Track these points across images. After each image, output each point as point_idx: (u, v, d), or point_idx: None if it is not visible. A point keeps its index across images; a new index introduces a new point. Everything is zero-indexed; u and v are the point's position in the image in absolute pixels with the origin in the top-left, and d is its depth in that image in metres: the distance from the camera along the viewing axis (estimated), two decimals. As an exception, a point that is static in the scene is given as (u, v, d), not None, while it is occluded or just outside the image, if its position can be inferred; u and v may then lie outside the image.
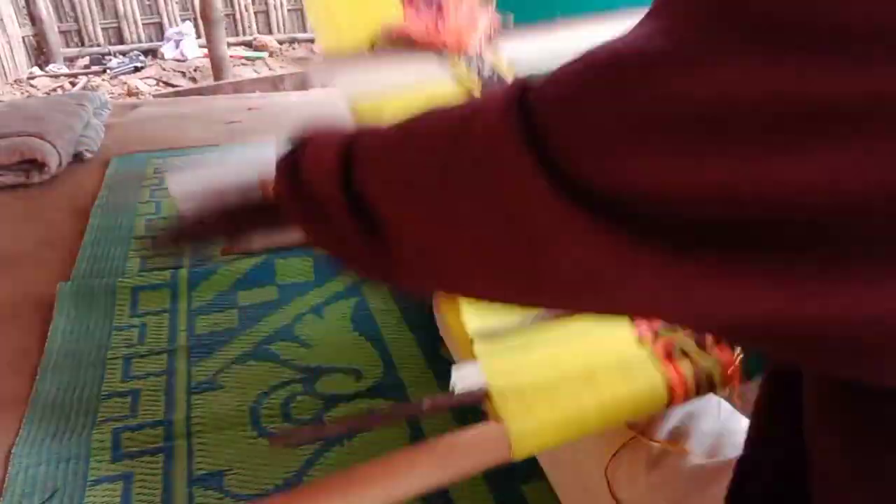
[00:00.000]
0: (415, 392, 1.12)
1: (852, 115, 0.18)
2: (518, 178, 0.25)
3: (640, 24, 0.23)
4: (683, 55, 0.21)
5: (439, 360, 1.18)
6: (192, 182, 0.89)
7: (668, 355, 0.62)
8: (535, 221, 0.25)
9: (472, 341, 0.64)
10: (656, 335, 0.65)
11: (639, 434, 0.64)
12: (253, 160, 0.95)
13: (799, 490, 0.35)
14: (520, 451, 0.56)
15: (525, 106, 0.26)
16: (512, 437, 0.56)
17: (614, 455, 0.65)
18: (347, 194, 0.37)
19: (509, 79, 0.93)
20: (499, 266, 0.30)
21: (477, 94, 0.91)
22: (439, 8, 1.01)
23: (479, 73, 0.95)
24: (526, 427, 0.56)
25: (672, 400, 0.60)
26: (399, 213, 0.34)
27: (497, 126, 0.26)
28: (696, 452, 0.62)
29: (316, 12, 1.04)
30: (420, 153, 0.33)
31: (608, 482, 0.65)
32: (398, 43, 1.01)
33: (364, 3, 1.05)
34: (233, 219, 0.58)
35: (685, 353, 0.62)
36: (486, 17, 1.02)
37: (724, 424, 0.64)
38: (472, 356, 0.63)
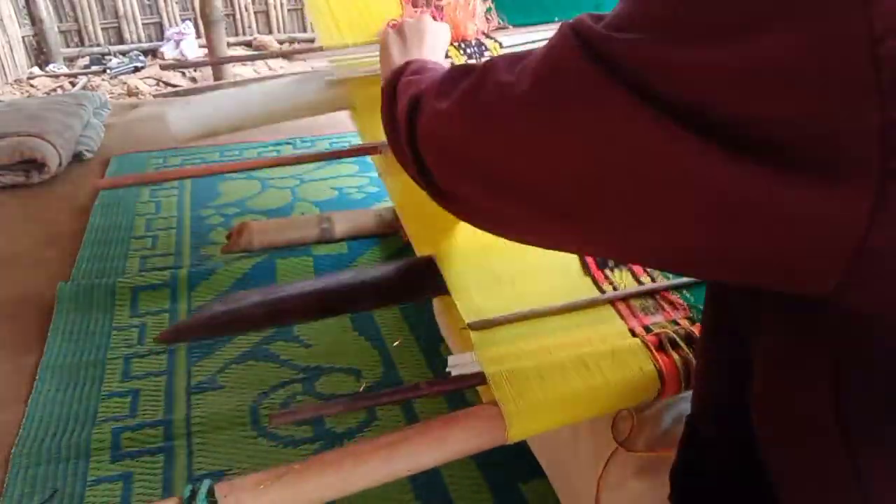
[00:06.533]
0: (415, 392, 1.12)
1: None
2: (603, 96, 0.31)
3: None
4: None
5: (439, 360, 1.18)
6: (189, 118, 0.92)
7: (660, 346, 0.63)
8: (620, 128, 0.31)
9: (467, 331, 0.64)
10: (647, 329, 0.65)
11: (620, 445, 0.65)
12: (245, 101, 0.96)
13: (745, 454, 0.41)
14: (514, 433, 0.57)
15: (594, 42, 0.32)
16: (506, 418, 0.56)
17: (606, 464, 0.65)
18: (412, 149, 0.47)
19: None
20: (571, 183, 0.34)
21: None
22: (437, 3, 1.02)
23: (475, 59, 0.96)
24: (519, 409, 0.57)
25: (664, 388, 0.61)
26: (454, 186, 0.44)
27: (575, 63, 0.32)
28: None
29: (316, 11, 1.04)
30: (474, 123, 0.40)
31: (598, 490, 0.65)
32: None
33: (363, 1, 1.06)
34: None
35: (675, 346, 0.62)
36: (483, 13, 1.02)
37: None
38: (468, 346, 0.64)
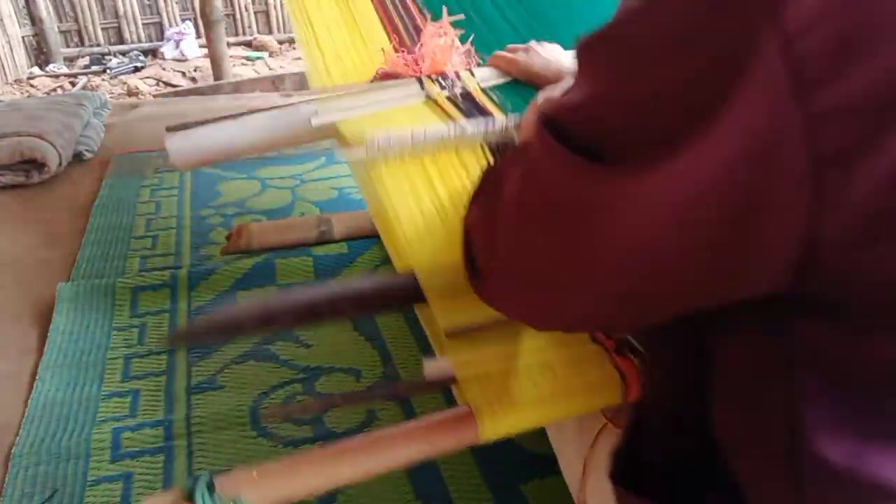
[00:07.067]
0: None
1: None
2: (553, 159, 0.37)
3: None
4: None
5: (439, 360, 1.18)
6: (189, 150, 0.93)
7: (618, 350, 0.65)
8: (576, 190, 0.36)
9: (443, 337, 0.67)
10: (608, 335, 0.68)
11: (609, 421, 0.67)
12: (246, 130, 0.98)
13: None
14: (486, 433, 0.60)
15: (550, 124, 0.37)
16: (478, 420, 0.60)
17: (594, 443, 0.66)
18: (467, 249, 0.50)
19: (478, 97, 1.00)
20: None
21: (443, 104, 0.98)
22: (421, 47, 1.07)
23: (448, 91, 1.00)
24: (492, 412, 0.60)
25: (629, 391, 0.64)
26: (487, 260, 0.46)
27: (541, 148, 0.38)
28: None
29: (312, 67, 1.11)
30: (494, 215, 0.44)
31: (584, 468, 0.66)
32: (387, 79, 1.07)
33: (354, 57, 1.11)
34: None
35: (634, 349, 0.65)
36: (461, 54, 1.08)
37: None
38: (443, 350, 0.67)
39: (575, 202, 0.36)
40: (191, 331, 0.65)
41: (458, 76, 1.02)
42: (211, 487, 0.52)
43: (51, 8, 5.35)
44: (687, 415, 0.46)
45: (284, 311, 0.65)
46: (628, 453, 0.52)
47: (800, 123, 0.28)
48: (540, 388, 0.62)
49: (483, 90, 1.01)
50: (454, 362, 0.64)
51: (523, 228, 0.40)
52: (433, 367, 0.64)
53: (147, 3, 5.69)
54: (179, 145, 0.93)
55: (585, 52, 0.36)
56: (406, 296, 0.71)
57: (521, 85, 1.03)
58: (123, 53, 5.54)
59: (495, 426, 0.60)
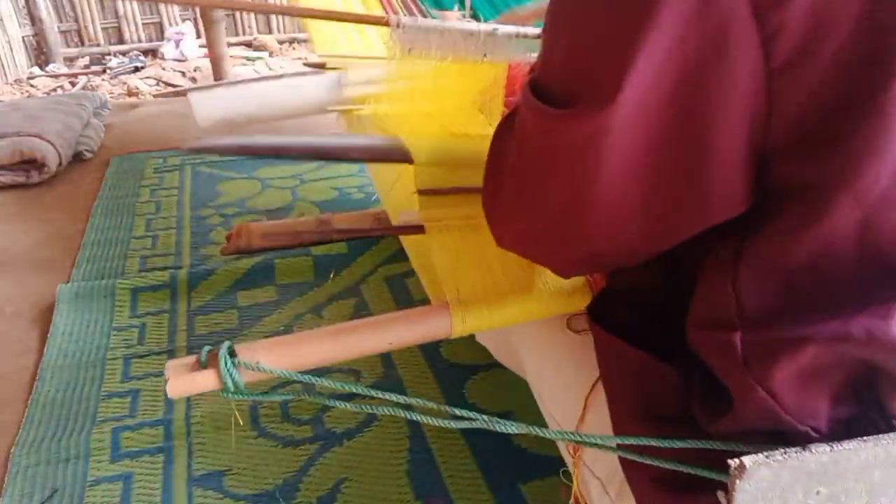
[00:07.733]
0: (414, 392, 1.12)
1: None
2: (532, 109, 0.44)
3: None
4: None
5: (439, 361, 1.18)
6: (211, 104, 0.95)
7: None
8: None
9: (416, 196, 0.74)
10: None
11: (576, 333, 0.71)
12: (274, 93, 0.99)
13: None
14: (457, 326, 0.67)
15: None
16: (452, 313, 0.66)
17: (594, 384, 0.66)
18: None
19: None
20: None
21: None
22: None
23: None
24: (461, 308, 0.67)
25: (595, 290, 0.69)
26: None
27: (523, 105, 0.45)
28: None
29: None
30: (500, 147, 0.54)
31: (585, 407, 0.66)
32: None
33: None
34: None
35: None
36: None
37: None
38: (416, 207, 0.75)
39: (554, 146, 0.43)
40: (208, 144, 0.69)
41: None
42: (232, 352, 0.57)
43: (51, 8, 5.34)
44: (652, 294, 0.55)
45: (295, 148, 0.72)
46: (601, 302, 0.61)
47: (756, 39, 0.34)
48: (503, 285, 0.68)
49: None
50: (423, 216, 0.73)
51: (518, 168, 0.49)
52: (406, 217, 0.74)
53: (147, 2, 5.68)
54: (201, 99, 0.96)
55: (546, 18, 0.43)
56: (398, 157, 0.79)
57: None
58: (123, 53, 5.54)
59: (464, 321, 0.67)
